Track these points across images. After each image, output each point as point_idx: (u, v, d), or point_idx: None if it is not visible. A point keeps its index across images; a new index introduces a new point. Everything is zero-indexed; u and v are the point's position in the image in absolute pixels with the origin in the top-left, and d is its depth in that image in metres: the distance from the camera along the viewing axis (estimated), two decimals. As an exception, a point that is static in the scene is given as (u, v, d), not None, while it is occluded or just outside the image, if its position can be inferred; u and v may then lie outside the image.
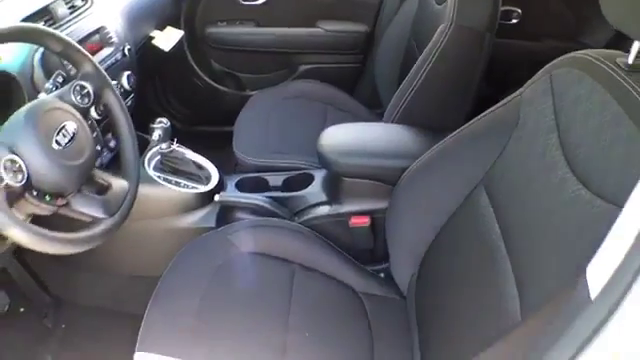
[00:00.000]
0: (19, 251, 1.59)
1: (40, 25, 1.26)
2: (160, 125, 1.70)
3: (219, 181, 1.81)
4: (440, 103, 1.72)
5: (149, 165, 1.75)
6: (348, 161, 1.65)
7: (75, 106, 1.26)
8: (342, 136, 1.74)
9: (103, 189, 1.28)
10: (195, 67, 2.58)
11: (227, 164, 1.97)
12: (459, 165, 1.31)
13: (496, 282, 1.05)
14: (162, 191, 1.72)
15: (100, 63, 1.69)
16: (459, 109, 1.54)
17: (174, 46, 2.14)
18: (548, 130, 1.04)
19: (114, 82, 1.74)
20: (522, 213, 1.05)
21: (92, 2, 1.83)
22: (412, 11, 2.08)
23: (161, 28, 2.17)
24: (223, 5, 2.48)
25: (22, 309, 2.03)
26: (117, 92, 1.39)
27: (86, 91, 1.30)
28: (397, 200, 1.52)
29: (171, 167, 1.77)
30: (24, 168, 1.09)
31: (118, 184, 1.30)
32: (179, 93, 2.61)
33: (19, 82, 1.41)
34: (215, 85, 2.63)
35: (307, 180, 1.85)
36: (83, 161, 1.21)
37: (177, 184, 1.74)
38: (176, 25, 2.25)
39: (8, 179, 1.05)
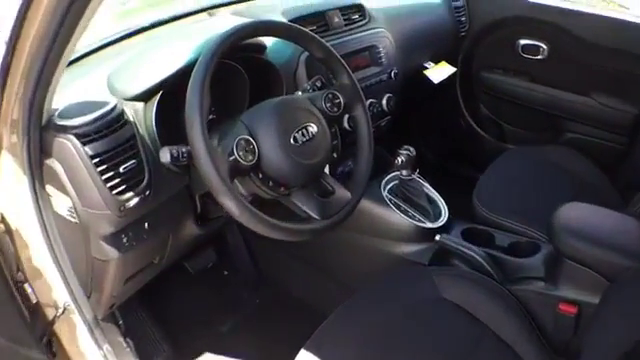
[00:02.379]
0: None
1: (307, 30, 1.31)
2: (406, 152, 1.66)
3: (446, 222, 1.72)
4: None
5: (385, 187, 1.74)
6: (574, 243, 1.47)
7: (323, 112, 1.29)
8: (578, 215, 1.56)
9: (326, 193, 1.28)
10: (462, 106, 2.53)
11: (460, 207, 1.87)
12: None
13: None
14: (389, 214, 1.69)
15: (364, 80, 1.73)
16: None
17: (443, 80, 2.09)
18: None
19: (374, 100, 1.76)
20: None
21: (370, 19, 1.88)
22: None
23: (436, 61, 2.13)
24: (502, 53, 2.38)
25: (226, 272, 2.14)
26: (367, 109, 1.38)
27: (337, 101, 1.32)
28: (608, 299, 1.34)
29: (405, 194, 1.73)
30: (256, 151, 1.14)
31: (341, 193, 1.29)
32: (437, 126, 2.57)
33: (280, 74, 1.48)
34: (476, 128, 2.54)
35: (532, 250, 1.68)
36: (314, 162, 1.22)
37: (405, 212, 1.70)
38: (452, 62, 2.20)
39: (238, 155, 1.10)
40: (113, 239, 1.25)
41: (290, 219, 1.19)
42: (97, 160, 1.11)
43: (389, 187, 1.75)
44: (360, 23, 1.82)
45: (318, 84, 1.41)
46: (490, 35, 2.38)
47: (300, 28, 1.29)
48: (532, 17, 2.24)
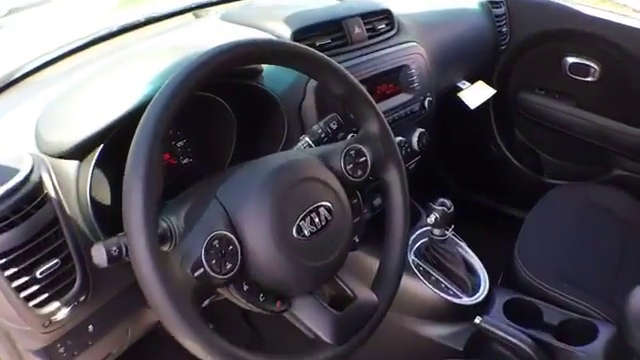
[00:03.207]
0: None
1: (322, 55, 0.87)
2: (441, 208, 1.27)
3: (486, 296, 1.34)
4: None
5: (411, 248, 1.35)
6: None
7: (342, 177, 0.88)
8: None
9: (342, 300, 0.86)
10: (495, 131, 2.12)
11: (499, 257, 1.56)
12: None
13: None
14: (418, 287, 1.33)
15: (391, 112, 1.34)
16: None
17: (480, 105, 1.70)
18: None
19: (402, 139, 1.37)
20: None
21: (399, 30, 1.45)
22: None
23: (472, 80, 1.73)
24: (546, 72, 1.97)
25: (211, 325, 1.76)
26: (403, 171, 0.97)
27: (362, 159, 0.91)
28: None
29: (436, 258, 1.34)
30: (238, 256, 0.73)
31: (364, 297, 0.87)
32: (464, 152, 2.16)
33: (280, 108, 1.08)
34: (510, 157, 2.14)
35: (588, 332, 1.34)
36: (329, 262, 0.82)
37: (436, 284, 1.31)
38: (486, 80, 1.79)
39: (209, 268, 0.69)
40: (46, 353, 0.87)
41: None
42: (2, 262, 0.71)
43: (416, 247, 1.37)
44: (387, 35, 1.40)
45: (333, 126, 1.01)
46: (533, 49, 1.96)
47: (312, 51, 0.86)
48: (584, 31, 1.84)
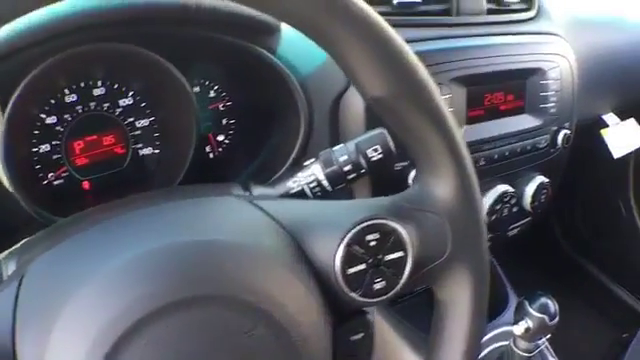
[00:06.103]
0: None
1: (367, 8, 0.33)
2: (541, 317, 0.73)
3: None
4: None
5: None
6: None
7: (334, 297, 0.39)
8: None
9: None
10: (630, 190, 1.49)
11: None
12: None
13: None
14: None
15: (503, 142, 0.82)
16: None
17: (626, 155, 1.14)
18: None
19: (510, 190, 0.83)
20: None
21: (539, 12, 0.91)
22: None
23: (621, 115, 1.16)
24: None
25: None
26: (485, 286, 0.43)
27: (395, 257, 0.40)
28: None
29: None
30: None
31: None
32: (586, 213, 1.55)
33: (298, 98, 0.60)
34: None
35: None
36: None
37: None
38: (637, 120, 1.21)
39: None
40: None
41: None
42: None
43: (487, 353, 0.85)
44: (520, 16, 0.87)
45: (372, 154, 0.48)
46: None
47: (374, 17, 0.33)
48: None
